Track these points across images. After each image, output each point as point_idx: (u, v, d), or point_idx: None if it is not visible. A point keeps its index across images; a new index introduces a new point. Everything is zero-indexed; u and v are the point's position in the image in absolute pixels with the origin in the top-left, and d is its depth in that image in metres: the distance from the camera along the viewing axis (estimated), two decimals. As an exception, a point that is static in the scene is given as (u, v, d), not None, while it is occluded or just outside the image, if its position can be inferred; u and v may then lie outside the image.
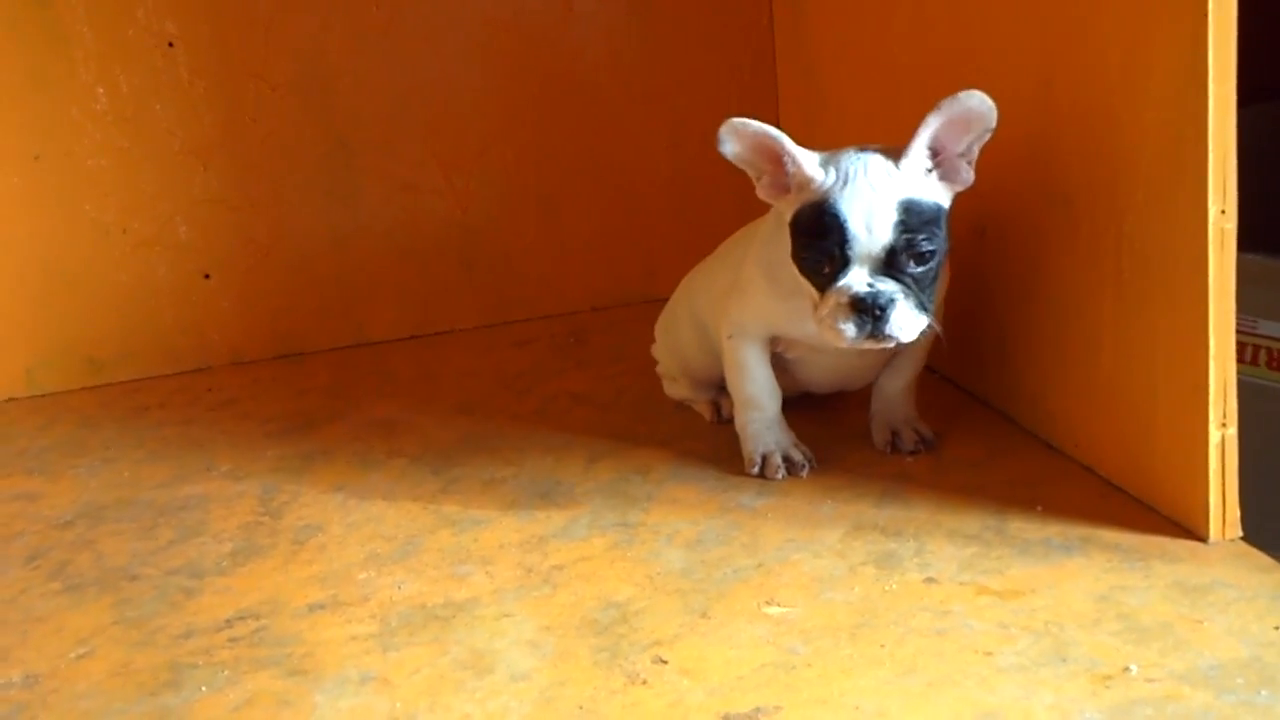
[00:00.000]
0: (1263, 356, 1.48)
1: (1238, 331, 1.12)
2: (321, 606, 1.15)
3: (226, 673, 1.05)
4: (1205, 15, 1.04)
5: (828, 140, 1.79)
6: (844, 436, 1.41)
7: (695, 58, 1.94)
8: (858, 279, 1.16)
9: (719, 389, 1.44)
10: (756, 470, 1.33)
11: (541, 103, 1.90)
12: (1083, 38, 1.22)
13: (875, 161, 1.18)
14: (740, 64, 1.95)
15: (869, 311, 1.15)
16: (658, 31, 1.92)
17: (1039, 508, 1.22)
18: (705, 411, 1.48)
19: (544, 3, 1.88)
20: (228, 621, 1.14)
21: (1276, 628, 0.99)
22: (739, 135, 1.19)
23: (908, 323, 1.17)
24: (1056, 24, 1.26)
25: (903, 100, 1.56)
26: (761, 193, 1.23)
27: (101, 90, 1.74)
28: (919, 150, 1.18)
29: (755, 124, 1.18)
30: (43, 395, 1.81)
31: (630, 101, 1.93)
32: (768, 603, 1.09)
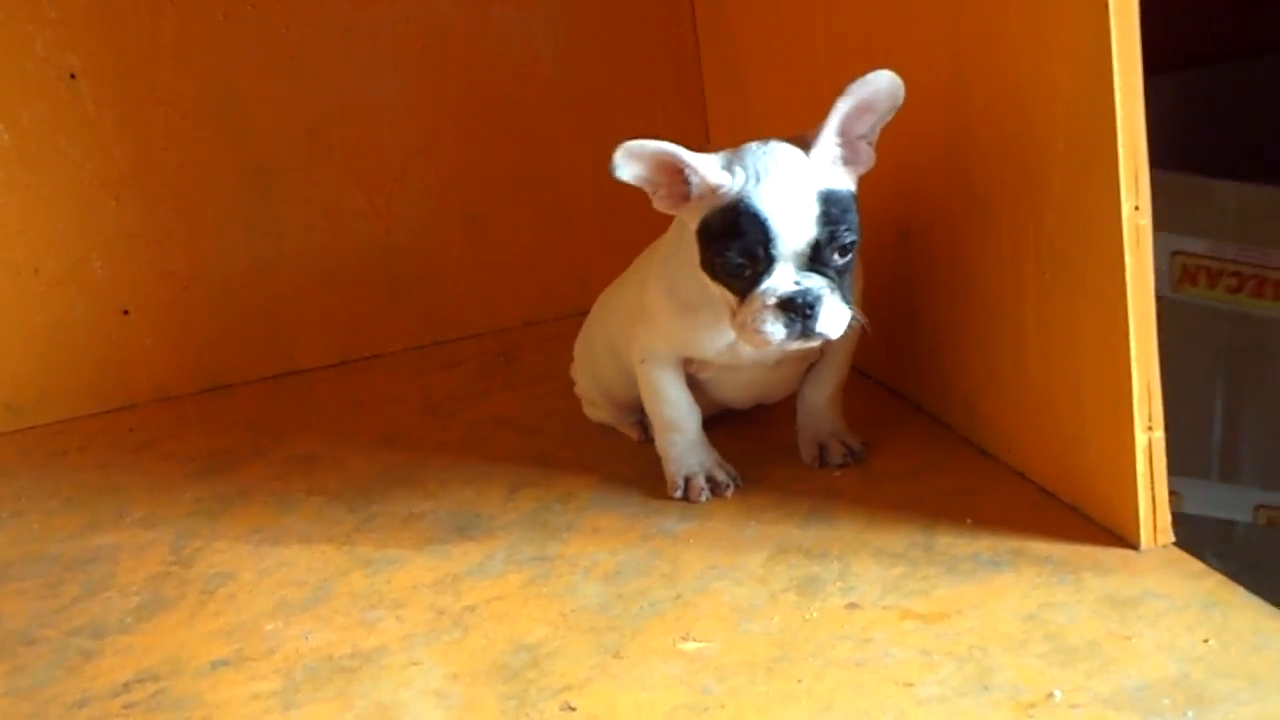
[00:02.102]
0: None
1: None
2: (225, 663, 1.11)
3: (119, 742, 1.01)
4: (1106, 6, 1.01)
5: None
6: (770, 451, 1.36)
7: (618, 65, 1.89)
8: (783, 278, 1.11)
9: (642, 410, 1.39)
10: (680, 494, 1.28)
11: (461, 117, 1.85)
12: (990, 32, 1.19)
13: (785, 152, 1.14)
14: (665, 70, 1.91)
15: (798, 310, 1.11)
16: (578, 40, 1.88)
17: (969, 520, 1.18)
18: (631, 433, 1.43)
19: (459, 14, 1.83)
20: (126, 685, 1.09)
21: (1205, 640, 0.96)
22: (636, 158, 1.14)
23: (835, 317, 1.12)
24: (966, 21, 1.22)
25: (824, 98, 1.51)
26: (659, 205, 1.18)
27: (2, 127, 1.69)
28: (829, 137, 1.14)
29: (650, 143, 1.13)
30: (-42, 444, 1.75)
31: (553, 111, 1.88)
32: (683, 638, 1.05)
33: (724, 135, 1.86)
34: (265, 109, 1.79)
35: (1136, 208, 1.04)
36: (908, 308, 1.39)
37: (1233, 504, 1.54)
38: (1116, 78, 1.02)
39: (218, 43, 1.76)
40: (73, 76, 1.71)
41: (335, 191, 1.83)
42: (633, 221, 1.84)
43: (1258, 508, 1.53)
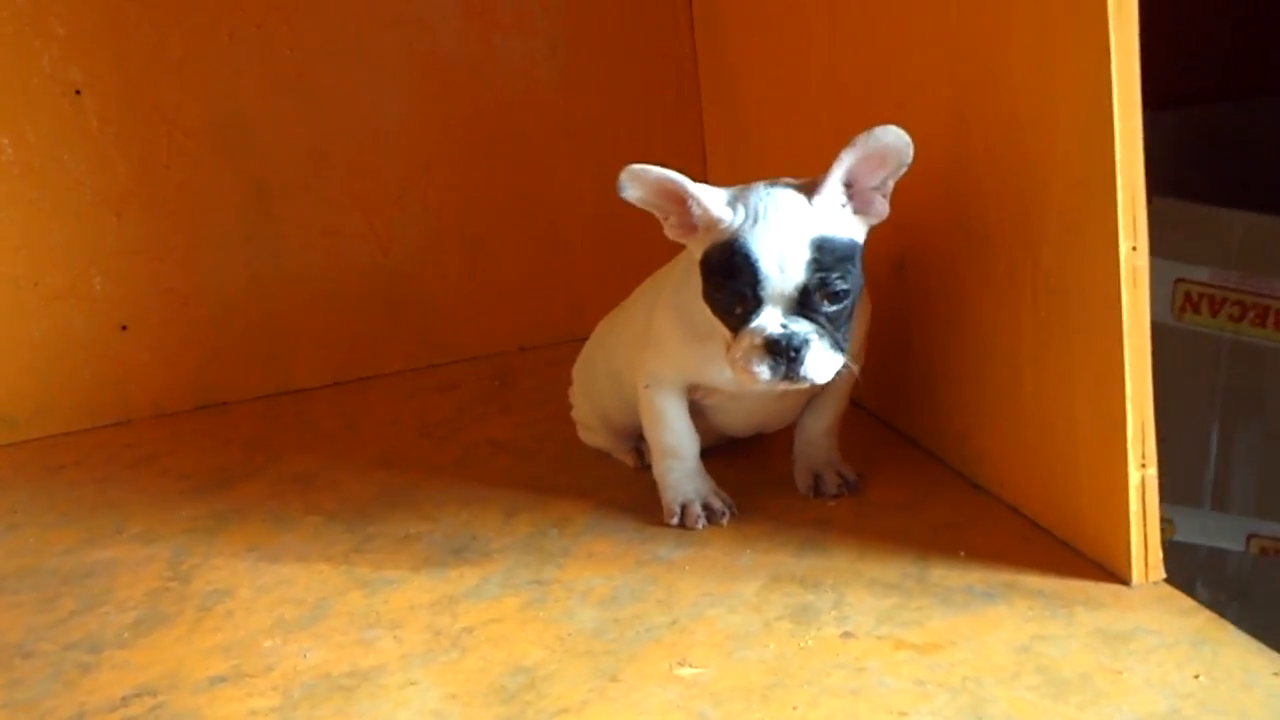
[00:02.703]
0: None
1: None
2: (223, 679, 1.11)
3: (117, 756, 1.02)
4: (1108, 49, 1.02)
5: (753, 172, 1.77)
6: (766, 481, 1.37)
7: (618, 92, 1.91)
8: (771, 320, 1.13)
9: (639, 437, 1.41)
10: (676, 520, 1.29)
11: (462, 142, 1.87)
12: (993, 73, 1.20)
13: (786, 197, 1.15)
14: (664, 99, 1.93)
15: (783, 353, 1.12)
16: (579, 68, 1.90)
17: (962, 552, 1.19)
18: (627, 459, 1.44)
19: (462, 41, 1.85)
20: (123, 699, 1.10)
21: (1196, 676, 0.97)
22: (639, 181, 1.16)
23: (822, 364, 1.14)
24: (968, 58, 1.24)
25: (823, 131, 1.53)
26: (669, 233, 1.20)
27: (6, 141, 1.70)
28: (833, 186, 1.15)
29: (655, 169, 1.15)
30: (-45, 456, 1.76)
31: (553, 138, 1.90)
32: (680, 663, 1.06)
33: (722, 164, 1.88)
34: (267, 129, 1.81)
35: (1134, 248, 1.05)
36: (902, 341, 1.40)
37: (1225, 533, 1.55)
38: (1117, 120, 1.03)
39: (222, 62, 1.77)
40: (78, 92, 1.72)
41: (335, 212, 1.85)
42: (630, 249, 1.86)
43: (1250, 537, 1.55)
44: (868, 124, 1.42)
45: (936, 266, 1.34)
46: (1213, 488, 1.54)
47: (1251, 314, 1.50)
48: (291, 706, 1.06)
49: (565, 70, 1.89)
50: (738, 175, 1.78)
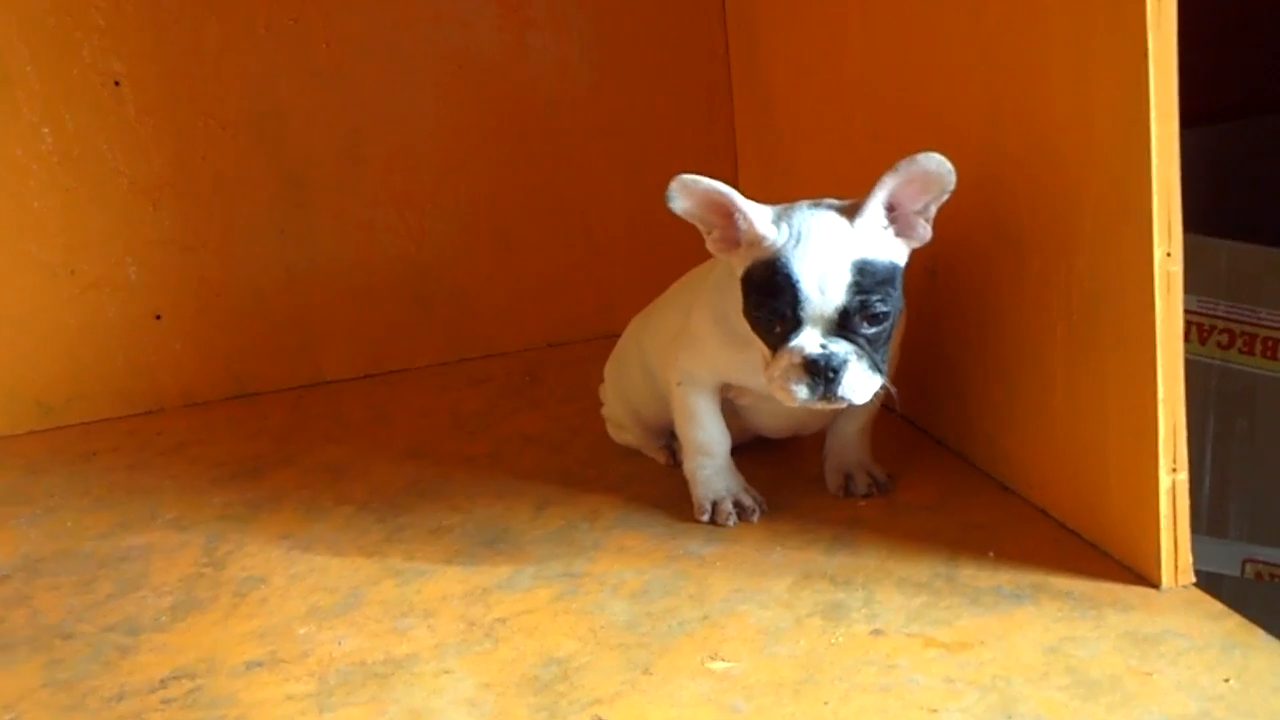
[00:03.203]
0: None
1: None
2: (259, 664, 1.13)
3: (156, 737, 1.03)
4: (1145, 56, 1.03)
5: (787, 178, 1.78)
6: (797, 480, 1.39)
7: (651, 92, 1.92)
8: (810, 340, 1.14)
9: (670, 434, 1.42)
10: (707, 517, 1.30)
11: (496, 138, 1.88)
12: (1028, 78, 1.21)
13: (828, 219, 1.15)
14: (697, 98, 1.94)
15: (821, 373, 1.13)
16: (613, 67, 1.91)
17: (991, 553, 1.20)
18: (659, 456, 1.45)
19: (498, 38, 1.86)
20: (162, 682, 1.11)
21: (1226, 680, 0.98)
22: (689, 192, 1.17)
23: (860, 384, 1.14)
24: (1004, 64, 1.25)
25: (856, 135, 1.54)
26: (712, 247, 1.20)
27: (47, 130, 1.72)
28: (874, 209, 1.15)
29: (705, 181, 1.16)
30: (-11, 440, 1.78)
31: (586, 136, 1.91)
32: (711, 657, 1.07)
33: (753, 167, 1.89)
34: (303, 122, 1.82)
35: (1169, 254, 1.06)
36: (932, 344, 1.41)
37: (1221, 558, 1.56)
38: (1153, 124, 1.04)
39: (259, 55, 1.79)
40: (117, 83, 1.74)
41: (368, 206, 1.86)
42: (661, 248, 1.88)
43: (1245, 562, 1.56)
44: (902, 129, 1.44)
45: (968, 270, 1.35)
46: (1208, 513, 1.54)
47: (1240, 342, 1.51)
48: (327, 692, 1.08)
49: (599, 70, 1.91)
50: (770, 180, 1.81)
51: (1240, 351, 1.51)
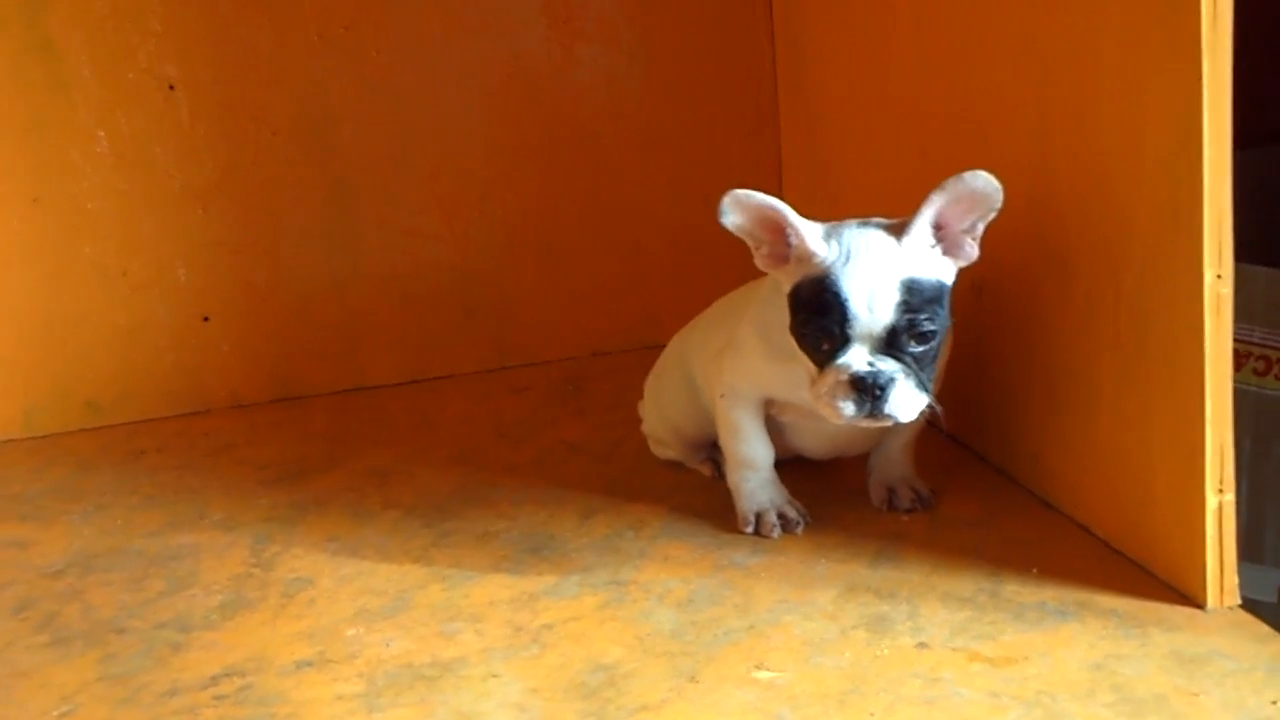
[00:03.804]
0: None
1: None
2: (309, 664, 1.14)
3: (209, 733, 1.05)
4: (1200, 78, 1.04)
5: (831, 194, 1.79)
6: (840, 493, 1.39)
7: (697, 106, 1.94)
8: (858, 358, 1.14)
9: (711, 447, 1.43)
10: (751, 529, 1.31)
11: (543, 149, 1.90)
12: (1079, 96, 1.22)
13: (877, 238, 1.16)
14: (743, 112, 1.95)
15: (869, 391, 1.14)
16: (660, 80, 1.92)
17: (1035, 570, 1.20)
18: (704, 469, 1.46)
19: (546, 50, 1.88)
20: (213, 679, 1.13)
21: (1274, 702, 0.98)
22: (742, 207, 1.18)
23: (908, 402, 1.15)
24: (1053, 80, 1.25)
25: (903, 152, 1.55)
26: (760, 262, 1.21)
27: (102, 133, 1.74)
28: (922, 228, 1.16)
29: (759, 196, 1.17)
30: (40, 437, 1.80)
31: (632, 148, 1.93)
32: (757, 667, 1.08)
33: (798, 183, 1.90)
34: (352, 129, 1.84)
35: (1219, 276, 1.07)
36: (976, 360, 1.42)
37: (1257, 583, 1.55)
38: (1206, 146, 1.04)
39: (310, 62, 1.81)
40: (171, 88, 1.77)
41: (415, 213, 1.88)
42: (705, 261, 1.90)
43: None
44: (950, 147, 1.44)
45: (1014, 288, 1.36)
46: (1244, 539, 1.54)
47: (1276, 368, 1.51)
48: (376, 693, 1.09)
49: (646, 83, 1.92)
50: (814, 196, 1.82)
51: (1276, 378, 1.51)
